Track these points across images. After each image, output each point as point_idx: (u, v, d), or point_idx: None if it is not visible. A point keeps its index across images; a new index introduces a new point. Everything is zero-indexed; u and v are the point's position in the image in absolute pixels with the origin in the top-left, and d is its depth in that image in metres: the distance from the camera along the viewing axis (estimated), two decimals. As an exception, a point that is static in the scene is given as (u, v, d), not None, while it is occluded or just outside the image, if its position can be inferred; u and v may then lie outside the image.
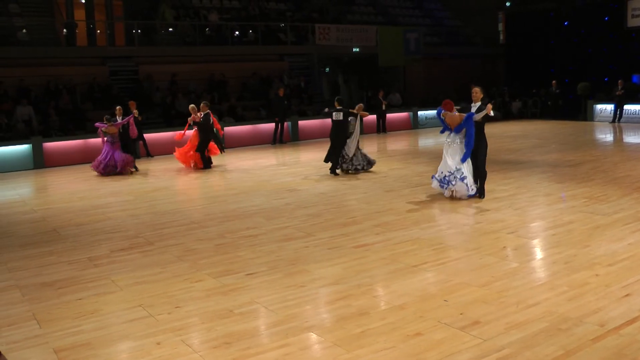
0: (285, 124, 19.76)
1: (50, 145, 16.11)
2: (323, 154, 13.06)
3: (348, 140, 12.40)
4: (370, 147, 18.74)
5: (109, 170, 13.64)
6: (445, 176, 9.52)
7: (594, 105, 23.26)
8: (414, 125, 23.44)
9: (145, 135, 16.42)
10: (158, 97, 19.52)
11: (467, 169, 9.38)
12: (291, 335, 4.72)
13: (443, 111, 9.52)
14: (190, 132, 14.42)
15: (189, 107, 14.67)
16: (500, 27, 30.16)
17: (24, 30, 19.14)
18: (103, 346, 4.66)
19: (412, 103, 24.84)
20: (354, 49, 24.27)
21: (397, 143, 19.21)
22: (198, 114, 14.10)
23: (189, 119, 14.24)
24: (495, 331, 4.62)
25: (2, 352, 3.18)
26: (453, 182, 9.41)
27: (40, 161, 15.80)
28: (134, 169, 14.09)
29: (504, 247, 6.92)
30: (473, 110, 9.25)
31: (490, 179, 10.35)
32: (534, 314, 4.91)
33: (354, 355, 4.34)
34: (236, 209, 9.62)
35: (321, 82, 25.03)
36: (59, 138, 16.58)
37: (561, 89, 24.33)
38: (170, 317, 5.18)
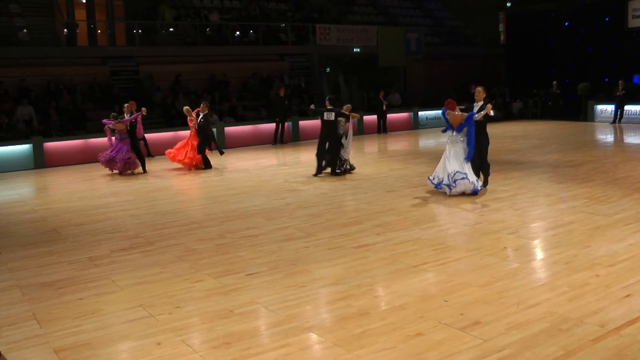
0: (286, 124, 19.76)
1: (50, 145, 16.11)
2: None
3: (344, 142, 12.35)
4: (371, 147, 18.77)
5: (111, 164, 13.58)
6: (441, 181, 9.71)
7: (595, 106, 23.26)
8: (415, 125, 23.43)
9: (146, 135, 16.41)
10: (159, 97, 19.52)
11: (467, 167, 9.56)
12: (291, 335, 4.71)
13: (447, 110, 9.70)
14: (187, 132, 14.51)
15: (184, 109, 14.66)
16: (501, 27, 30.16)
17: (25, 30, 19.13)
18: (103, 346, 4.66)
19: (412, 103, 24.84)
20: (354, 49, 24.27)
21: (397, 143, 19.21)
22: (193, 112, 14.15)
23: (188, 120, 14.26)
24: (495, 331, 4.62)
25: (1, 353, 3.17)
26: (454, 185, 9.55)
27: (40, 161, 15.80)
28: (140, 171, 13.90)
29: (505, 247, 6.92)
30: (476, 109, 9.50)
31: (491, 180, 10.44)
32: (534, 315, 4.91)
33: (354, 356, 4.34)
34: (237, 209, 9.61)
35: (322, 82, 25.02)
36: (60, 138, 16.57)
37: (562, 89, 24.32)
38: (171, 317, 5.18)
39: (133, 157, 13.66)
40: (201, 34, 21.95)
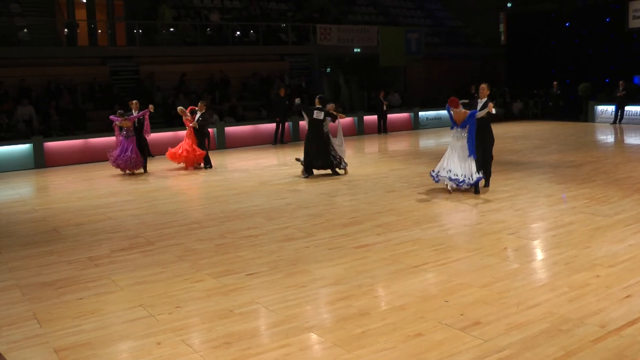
0: (287, 124, 19.76)
1: (51, 145, 16.11)
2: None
3: (335, 140, 12.30)
4: (371, 147, 18.77)
5: (120, 164, 13.50)
6: (444, 176, 9.93)
7: (595, 106, 23.25)
8: (415, 125, 23.43)
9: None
10: (159, 97, 19.52)
11: (469, 166, 9.78)
12: (291, 335, 4.71)
13: (450, 107, 9.90)
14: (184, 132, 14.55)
15: (178, 110, 14.65)
16: (502, 27, 30.15)
17: (25, 30, 19.13)
18: (103, 346, 4.66)
19: (412, 103, 24.84)
20: (355, 49, 24.27)
21: (398, 143, 19.20)
22: (187, 111, 14.19)
23: (187, 120, 14.28)
24: (495, 332, 4.62)
25: (1, 353, 3.17)
26: (454, 186, 9.94)
27: (41, 161, 15.80)
28: (141, 170, 13.87)
29: (505, 247, 6.91)
30: (479, 105, 9.76)
31: (491, 180, 10.46)
32: (534, 315, 4.90)
33: (354, 356, 4.34)
34: (237, 209, 9.61)
35: (322, 82, 25.02)
36: (60, 138, 16.58)
37: (562, 89, 24.33)
38: (171, 317, 5.18)
39: (138, 156, 13.60)
40: (201, 34, 21.95)
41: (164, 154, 14.99)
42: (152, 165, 15.35)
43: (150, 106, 14.15)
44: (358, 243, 7.29)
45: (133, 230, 8.46)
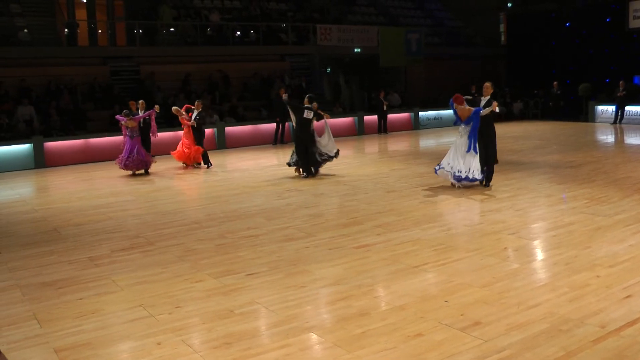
0: (287, 124, 19.75)
1: (51, 145, 16.12)
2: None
3: (321, 140, 12.31)
4: (371, 147, 18.78)
5: (129, 165, 13.37)
6: (456, 173, 10.17)
7: (595, 107, 23.25)
8: (415, 125, 23.43)
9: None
10: (160, 97, 19.52)
11: (471, 162, 10.03)
12: (292, 335, 4.71)
13: (455, 104, 10.16)
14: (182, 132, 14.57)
15: (173, 110, 14.64)
16: (502, 27, 30.16)
17: (25, 30, 19.15)
18: (103, 346, 4.66)
19: (413, 103, 24.85)
20: (355, 50, 24.28)
21: (398, 144, 19.20)
22: (182, 110, 14.21)
23: (183, 119, 14.28)
24: (496, 332, 4.62)
25: (2, 352, 3.17)
26: (457, 183, 10.21)
27: (41, 161, 15.81)
28: (142, 171, 13.77)
29: (505, 248, 6.91)
30: (482, 103, 10.04)
31: (492, 180, 10.45)
32: (534, 315, 4.91)
33: (354, 356, 4.34)
34: (237, 209, 9.61)
35: (322, 82, 25.03)
36: (60, 138, 16.58)
37: (562, 89, 24.31)
38: (171, 317, 5.18)
39: (145, 155, 13.51)
40: (202, 34, 21.97)
41: (164, 155, 15.00)
42: (153, 165, 15.34)
43: (156, 106, 14.15)
44: (358, 243, 7.29)
45: (133, 230, 8.46)
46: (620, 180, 10.84)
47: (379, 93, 21.77)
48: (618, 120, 21.95)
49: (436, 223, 8.30)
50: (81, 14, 22.32)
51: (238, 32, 22.79)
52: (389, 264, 6.43)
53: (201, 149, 14.31)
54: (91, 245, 7.68)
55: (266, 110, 20.73)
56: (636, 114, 21.94)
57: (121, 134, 13.67)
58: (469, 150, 9.99)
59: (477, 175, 10.03)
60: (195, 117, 14.17)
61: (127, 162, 13.36)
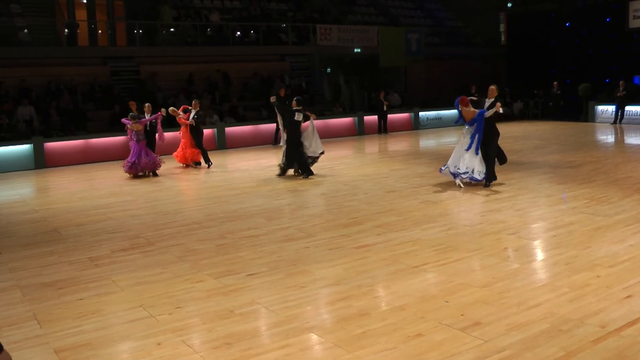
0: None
1: (51, 145, 16.11)
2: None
3: (312, 142, 12.31)
4: (371, 147, 18.77)
5: (135, 170, 13.25)
6: (458, 172, 10.41)
7: (595, 107, 23.25)
8: (415, 125, 23.42)
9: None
10: (160, 97, 19.53)
11: (474, 161, 10.23)
12: (292, 336, 4.71)
13: (460, 106, 10.37)
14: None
15: (169, 110, 14.62)
16: (502, 27, 30.16)
17: (25, 31, 19.15)
18: (104, 346, 4.66)
19: (413, 103, 24.84)
20: (355, 50, 24.27)
21: (398, 144, 19.20)
22: (179, 110, 14.19)
23: (181, 119, 14.27)
24: (496, 332, 4.62)
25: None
26: (464, 177, 10.44)
27: (41, 161, 15.80)
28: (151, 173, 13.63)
29: (505, 248, 6.92)
30: (486, 105, 10.25)
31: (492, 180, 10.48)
32: (535, 315, 4.91)
33: (354, 356, 4.34)
34: (237, 209, 9.62)
35: (322, 82, 25.02)
36: (60, 138, 16.58)
37: (562, 89, 24.31)
38: (171, 317, 5.18)
39: (153, 156, 13.43)
40: (202, 34, 21.97)
41: (165, 154, 14.98)
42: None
43: (162, 110, 14.16)
44: (358, 243, 7.29)
45: (134, 230, 8.46)
46: (620, 180, 10.84)
47: (379, 93, 21.76)
48: (618, 120, 21.94)
49: (436, 223, 8.30)
50: (81, 14, 22.32)
51: (238, 32, 22.80)
52: (389, 264, 6.43)
53: (199, 151, 14.28)
54: (91, 246, 7.68)
55: (266, 111, 20.72)
56: (636, 114, 21.94)
57: (121, 135, 13.65)
58: (468, 148, 10.17)
59: (478, 176, 10.20)
60: (193, 117, 14.19)
61: (137, 166, 13.24)
